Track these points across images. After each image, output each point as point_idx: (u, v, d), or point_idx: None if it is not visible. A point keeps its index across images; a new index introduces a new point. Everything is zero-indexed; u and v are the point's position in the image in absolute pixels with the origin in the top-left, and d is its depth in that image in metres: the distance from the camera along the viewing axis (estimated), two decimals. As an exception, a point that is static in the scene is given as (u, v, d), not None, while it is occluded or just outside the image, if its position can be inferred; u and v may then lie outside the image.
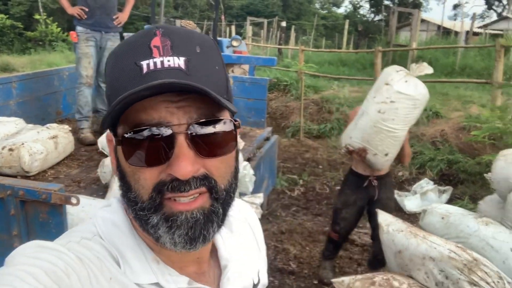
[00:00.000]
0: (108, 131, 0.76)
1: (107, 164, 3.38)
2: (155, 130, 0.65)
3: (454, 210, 3.16)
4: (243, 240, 0.92)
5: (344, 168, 7.04)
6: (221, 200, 0.71)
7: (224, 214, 0.73)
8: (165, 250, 0.73)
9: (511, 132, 5.59)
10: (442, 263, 2.62)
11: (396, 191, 5.91)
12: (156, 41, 0.67)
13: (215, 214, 0.70)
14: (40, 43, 21.72)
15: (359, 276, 2.73)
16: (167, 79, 0.63)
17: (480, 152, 6.55)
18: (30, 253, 0.66)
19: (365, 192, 3.80)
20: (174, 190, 0.66)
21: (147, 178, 0.67)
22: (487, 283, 2.46)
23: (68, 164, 3.96)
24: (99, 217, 0.77)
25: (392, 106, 3.35)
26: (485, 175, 4.36)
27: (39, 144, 3.61)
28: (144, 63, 0.65)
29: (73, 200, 1.84)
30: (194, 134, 0.66)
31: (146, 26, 12.42)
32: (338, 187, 6.51)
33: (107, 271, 0.70)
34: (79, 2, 4.59)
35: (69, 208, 1.98)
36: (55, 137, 3.83)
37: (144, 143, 0.65)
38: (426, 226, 3.14)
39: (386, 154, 3.51)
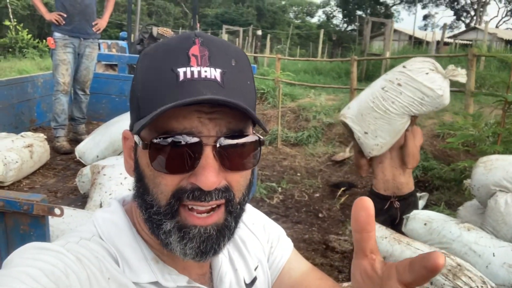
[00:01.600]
0: (126, 130, 0.76)
1: (86, 173, 3.29)
2: (185, 139, 0.65)
3: (436, 216, 3.20)
4: (235, 238, 0.90)
5: (322, 176, 7.08)
6: (234, 214, 0.72)
7: (235, 227, 0.74)
8: (169, 251, 0.74)
9: (484, 139, 5.72)
10: (426, 269, 2.64)
11: (374, 198, 5.96)
12: (195, 50, 0.67)
13: (228, 229, 0.72)
14: (10, 50, 21.20)
15: (345, 284, 2.72)
16: (203, 89, 0.64)
17: (454, 158, 6.68)
18: (28, 255, 0.65)
19: (386, 215, 3.47)
20: (194, 199, 0.67)
21: (168, 184, 0.68)
22: (471, 287, 2.48)
23: (44, 174, 3.85)
24: (99, 217, 0.78)
25: (397, 88, 3.18)
26: (464, 181, 4.45)
27: (14, 153, 3.50)
28: (181, 71, 0.66)
29: (57, 211, 1.77)
30: (221, 146, 0.67)
31: (121, 33, 12.30)
32: (317, 195, 6.55)
33: (106, 271, 0.70)
34: (57, 8, 4.49)
35: (49, 219, 1.91)
36: (30, 145, 3.72)
37: (172, 150, 0.66)
38: (409, 232, 3.17)
39: (376, 137, 3.28)
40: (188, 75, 0.65)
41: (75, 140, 4.60)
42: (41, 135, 4.04)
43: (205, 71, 0.66)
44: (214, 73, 0.66)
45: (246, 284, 0.89)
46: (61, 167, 4.04)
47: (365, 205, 0.57)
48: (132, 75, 0.75)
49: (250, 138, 0.70)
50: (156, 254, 0.76)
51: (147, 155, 0.68)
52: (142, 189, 0.71)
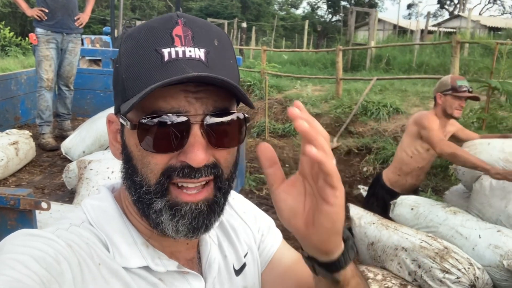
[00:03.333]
0: (111, 114, 0.76)
1: (72, 169, 3.27)
2: (173, 118, 0.66)
3: (423, 201, 3.24)
4: (225, 225, 0.93)
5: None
6: (223, 189, 0.74)
7: (224, 203, 0.75)
8: (158, 236, 0.75)
9: (469, 125, 5.78)
10: (414, 253, 2.68)
11: (362, 186, 6.00)
12: (178, 30, 0.68)
13: (217, 205, 0.73)
14: (-8, 48, 20.86)
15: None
16: (188, 69, 0.65)
17: (441, 145, 6.74)
18: (19, 242, 0.65)
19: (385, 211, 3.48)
20: (184, 176, 0.68)
21: (157, 163, 0.68)
22: (458, 269, 2.53)
23: (30, 171, 3.81)
24: (88, 204, 0.78)
25: None
26: (450, 166, 4.50)
27: (-1, 150, 3.46)
28: (165, 51, 0.66)
29: (44, 205, 1.76)
30: (208, 124, 0.68)
31: (105, 28, 12.15)
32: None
33: (97, 256, 0.70)
34: (38, 3, 4.42)
35: (37, 214, 1.90)
36: (16, 143, 3.68)
37: (160, 129, 0.66)
38: (396, 218, 3.20)
39: None
40: (173, 55, 0.66)
41: (61, 137, 4.56)
42: (26, 132, 4.00)
43: (190, 51, 0.67)
44: (198, 52, 0.67)
45: (235, 271, 0.89)
46: (48, 163, 4.01)
47: (267, 146, 0.63)
48: None
49: (236, 116, 0.71)
50: (145, 239, 0.77)
51: (136, 135, 0.68)
52: (130, 170, 0.72)
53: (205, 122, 0.67)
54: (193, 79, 0.64)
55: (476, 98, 3.39)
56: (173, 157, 0.68)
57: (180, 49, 0.67)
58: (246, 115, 0.73)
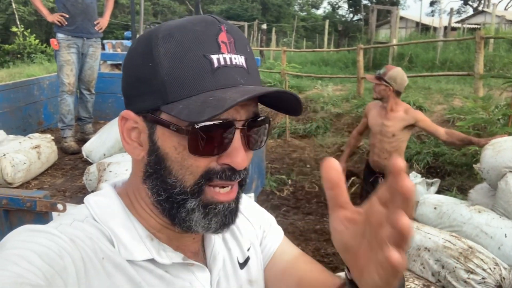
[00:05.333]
0: (127, 111, 0.75)
1: (92, 171, 3.31)
2: (223, 124, 0.68)
3: (446, 200, 3.16)
4: None
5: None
6: (243, 187, 0.78)
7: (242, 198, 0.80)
8: (166, 229, 0.78)
9: (495, 122, 5.64)
10: (437, 253, 2.61)
11: (384, 186, 5.91)
12: (223, 37, 0.70)
13: (239, 202, 0.78)
14: (19, 56, 21.37)
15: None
16: (237, 76, 0.69)
17: (466, 143, 6.59)
18: (22, 237, 0.65)
19: (372, 187, 3.82)
20: (225, 178, 0.71)
21: (200, 165, 0.70)
22: (484, 269, 2.45)
23: (52, 174, 3.87)
24: (91, 200, 0.78)
25: None
26: (474, 165, 4.39)
27: (22, 154, 3.52)
28: (214, 58, 0.68)
29: (60, 207, 1.77)
30: (247, 129, 0.72)
31: (126, 33, 12.29)
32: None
33: (100, 251, 0.71)
34: (58, 9, 4.49)
35: (55, 216, 1.91)
36: (38, 147, 3.75)
37: (211, 134, 0.68)
38: (419, 217, 3.13)
39: None
40: (222, 62, 0.68)
41: (83, 140, 4.61)
42: (48, 136, 4.07)
43: (234, 58, 0.70)
44: (241, 60, 0.71)
45: (239, 264, 0.91)
46: (69, 166, 4.07)
47: (333, 165, 0.59)
48: None
49: (265, 120, 0.76)
50: (151, 232, 0.77)
51: (178, 138, 0.69)
52: (163, 171, 0.72)
53: (245, 128, 0.72)
54: (273, 94, 0.69)
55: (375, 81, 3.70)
56: (213, 160, 0.71)
57: (227, 56, 0.69)
58: (270, 117, 0.79)
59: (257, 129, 0.75)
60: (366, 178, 4.11)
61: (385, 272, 0.54)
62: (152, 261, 0.75)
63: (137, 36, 8.36)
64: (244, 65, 0.71)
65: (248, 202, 1.03)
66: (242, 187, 0.77)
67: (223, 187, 0.72)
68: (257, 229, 0.99)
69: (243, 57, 0.71)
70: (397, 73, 3.63)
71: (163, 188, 0.72)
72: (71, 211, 0.78)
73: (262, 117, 0.75)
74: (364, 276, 0.58)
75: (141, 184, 0.76)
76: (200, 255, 0.85)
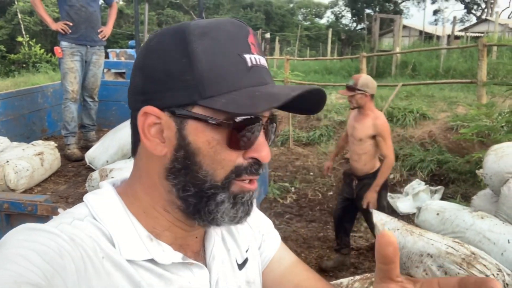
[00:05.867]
0: (149, 106, 0.73)
1: (95, 178, 3.32)
2: (255, 119, 0.72)
3: (449, 206, 3.15)
4: None
5: (335, 174, 7.02)
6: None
7: None
8: (175, 227, 0.79)
9: (498, 129, 5.62)
10: (440, 259, 2.60)
11: (389, 194, 5.89)
12: (251, 39, 0.75)
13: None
14: (24, 65, 21.55)
15: (357, 277, 2.69)
16: (266, 76, 0.74)
17: (469, 150, 6.57)
18: (21, 236, 0.65)
19: (349, 188, 4.13)
20: (253, 173, 0.75)
21: (232, 159, 0.73)
22: (487, 275, 2.43)
23: (55, 181, 3.88)
24: (90, 199, 0.78)
25: None
26: (476, 171, 4.38)
27: (25, 161, 3.54)
28: (247, 57, 0.72)
29: (60, 211, 1.78)
30: (267, 125, 0.78)
31: (130, 42, 12.38)
32: (330, 193, 6.51)
33: (100, 250, 0.70)
34: (62, 17, 4.54)
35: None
36: (41, 153, 3.76)
37: (245, 129, 0.72)
38: (421, 223, 3.12)
39: None
40: (254, 62, 0.73)
41: (86, 148, 4.63)
42: (52, 143, 4.09)
43: (260, 59, 0.74)
44: (263, 61, 0.75)
45: (238, 265, 0.91)
46: (72, 173, 4.08)
47: (391, 240, 0.62)
48: None
49: (275, 118, 0.80)
50: (150, 232, 0.77)
51: (218, 133, 0.71)
52: (194, 166, 0.73)
53: (268, 124, 0.77)
54: (307, 92, 0.72)
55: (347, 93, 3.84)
56: (240, 155, 0.74)
57: (256, 57, 0.73)
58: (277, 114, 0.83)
59: (272, 126, 0.80)
60: (345, 179, 4.33)
61: None
62: (151, 261, 0.75)
63: (141, 45, 8.43)
64: (266, 65, 0.76)
65: None
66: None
67: (252, 180, 0.76)
68: (255, 232, 1.00)
69: (263, 58, 0.76)
70: (367, 79, 3.84)
71: (193, 183, 0.73)
72: (71, 210, 0.78)
73: (274, 115, 0.80)
74: None
75: (161, 181, 0.76)
76: (201, 255, 0.85)
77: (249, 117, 0.71)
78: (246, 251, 0.94)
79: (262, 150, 0.74)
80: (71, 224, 0.72)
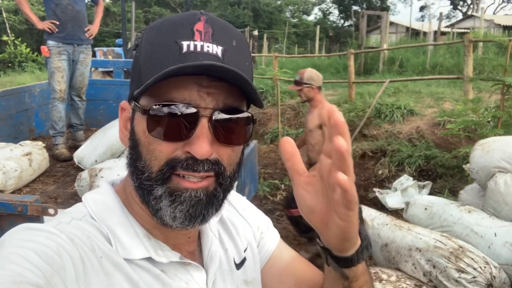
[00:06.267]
0: (125, 101, 0.79)
1: (84, 177, 3.30)
2: (183, 109, 0.68)
3: (436, 201, 3.18)
4: (226, 221, 0.94)
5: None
6: (224, 186, 0.75)
7: (223, 199, 0.77)
8: (161, 226, 0.76)
9: (484, 124, 5.68)
10: (428, 253, 2.63)
11: (377, 189, 5.95)
12: (199, 26, 0.71)
13: (216, 198, 0.74)
14: (10, 64, 21.26)
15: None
16: (204, 61, 0.67)
17: (456, 145, 6.64)
18: (20, 236, 0.65)
19: None
20: (187, 168, 0.69)
21: (163, 151, 0.70)
22: (474, 268, 2.47)
23: (44, 181, 3.86)
24: (89, 198, 0.79)
25: None
26: (464, 166, 4.43)
27: (13, 161, 3.51)
28: (184, 44, 0.69)
29: (51, 211, 1.77)
30: (216, 120, 0.70)
31: (117, 40, 12.30)
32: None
33: (98, 249, 0.71)
34: (48, 16, 4.49)
35: (46, 220, 1.91)
36: (29, 154, 3.73)
37: (170, 118, 0.68)
38: (410, 218, 3.16)
39: None
40: (191, 48, 0.68)
41: (75, 147, 4.60)
42: (40, 143, 4.06)
43: (208, 46, 0.69)
44: (216, 49, 0.69)
45: (236, 264, 0.90)
46: (61, 173, 4.05)
47: (288, 140, 0.66)
48: (129, 80, 0.78)
49: (244, 115, 0.73)
50: (148, 231, 0.77)
51: (145, 121, 0.70)
52: (135, 156, 0.73)
53: (213, 117, 0.69)
54: (210, 68, 0.66)
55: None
56: (178, 148, 0.70)
57: (198, 43, 0.69)
58: (253, 115, 0.76)
59: (232, 123, 0.72)
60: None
61: (340, 229, 0.64)
62: (149, 259, 0.75)
63: (129, 43, 8.39)
64: (219, 54, 0.69)
65: (245, 203, 1.04)
66: (221, 185, 0.74)
67: (189, 178, 0.70)
68: (254, 230, 0.99)
69: (219, 47, 0.70)
70: (311, 72, 4.01)
71: (136, 174, 0.72)
72: (69, 210, 0.78)
73: (240, 111, 0.73)
74: (329, 232, 0.66)
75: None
76: (197, 255, 0.85)
77: (167, 104, 0.68)
78: (245, 250, 0.94)
79: (195, 143, 0.68)
80: (70, 223, 0.72)
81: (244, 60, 0.75)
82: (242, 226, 0.97)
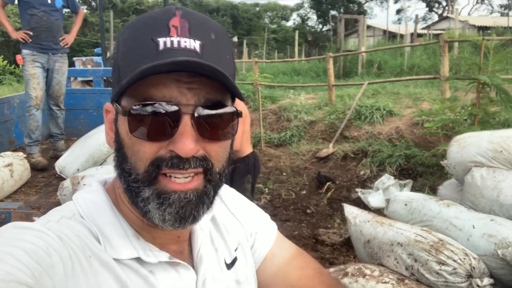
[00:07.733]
0: (108, 103, 0.77)
1: (66, 186, 3.29)
2: (164, 107, 0.66)
3: (416, 196, 3.25)
4: (216, 220, 0.93)
5: (307, 173, 7.12)
6: (213, 182, 0.74)
7: (214, 196, 0.76)
8: (149, 227, 0.76)
9: (461, 122, 5.81)
10: (410, 247, 2.69)
11: (359, 190, 6.02)
12: (175, 21, 0.69)
13: (207, 196, 0.73)
14: (-14, 77, 20.92)
15: (331, 269, 2.76)
16: (182, 57, 0.65)
17: (435, 144, 6.77)
18: (9, 234, 0.65)
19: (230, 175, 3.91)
20: (173, 166, 0.68)
21: (147, 151, 0.69)
22: (454, 260, 2.53)
23: (26, 192, 3.83)
24: (79, 197, 0.78)
25: None
26: (441, 162, 4.52)
27: (-7, 173, 3.48)
28: (161, 40, 0.67)
29: (35, 218, 1.78)
30: (199, 116, 0.68)
31: (96, 50, 12.23)
32: (304, 192, 6.59)
33: (87, 249, 0.70)
34: (23, 26, 4.49)
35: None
36: (10, 165, 3.71)
37: (151, 117, 0.67)
38: (391, 214, 3.21)
39: None
40: (168, 45, 0.66)
41: (56, 158, 4.57)
42: (21, 154, 4.03)
43: (185, 42, 0.67)
44: (193, 44, 0.68)
45: (226, 264, 0.90)
46: (43, 183, 4.03)
47: None
48: (109, 89, 0.77)
49: (228, 109, 0.72)
50: (137, 231, 0.77)
51: (127, 122, 0.69)
52: (121, 158, 0.72)
53: (196, 113, 0.68)
54: (184, 65, 0.64)
55: None
56: (163, 147, 0.69)
57: (175, 39, 0.67)
58: (238, 109, 0.74)
59: (216, 118, 0.70)
60: None
61: None
62: (138, 260, 0.74)
63: (108, 53, 8.36)
64: (198, 49, 0.68)
65: (238, 201, 1.02)
66: (210, 181, 0.73)
67: (177, 177, 0.69)
68: (246, 230, 0.98)
69: (197, 42, 0.68)
70: None
71: (123, 176, 0.72)
72: (60, 208, 0.78)
73: (224, 106, 0.72)
74: None
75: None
76: (186, 255, 0.84)
77: (149, 103, 0.66)
78: (235, 250, 0.93)
79: (179, 141, 0.67)
80: (59, 222, 0.72)
81: (224, 53, 0.73)
82: (233, 225, 0.95)
